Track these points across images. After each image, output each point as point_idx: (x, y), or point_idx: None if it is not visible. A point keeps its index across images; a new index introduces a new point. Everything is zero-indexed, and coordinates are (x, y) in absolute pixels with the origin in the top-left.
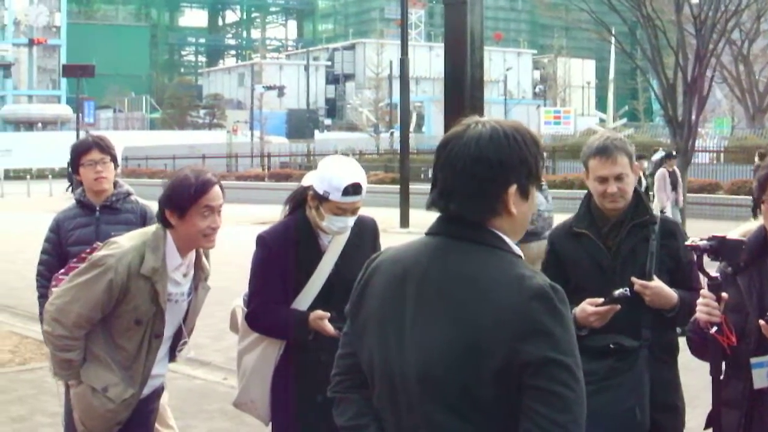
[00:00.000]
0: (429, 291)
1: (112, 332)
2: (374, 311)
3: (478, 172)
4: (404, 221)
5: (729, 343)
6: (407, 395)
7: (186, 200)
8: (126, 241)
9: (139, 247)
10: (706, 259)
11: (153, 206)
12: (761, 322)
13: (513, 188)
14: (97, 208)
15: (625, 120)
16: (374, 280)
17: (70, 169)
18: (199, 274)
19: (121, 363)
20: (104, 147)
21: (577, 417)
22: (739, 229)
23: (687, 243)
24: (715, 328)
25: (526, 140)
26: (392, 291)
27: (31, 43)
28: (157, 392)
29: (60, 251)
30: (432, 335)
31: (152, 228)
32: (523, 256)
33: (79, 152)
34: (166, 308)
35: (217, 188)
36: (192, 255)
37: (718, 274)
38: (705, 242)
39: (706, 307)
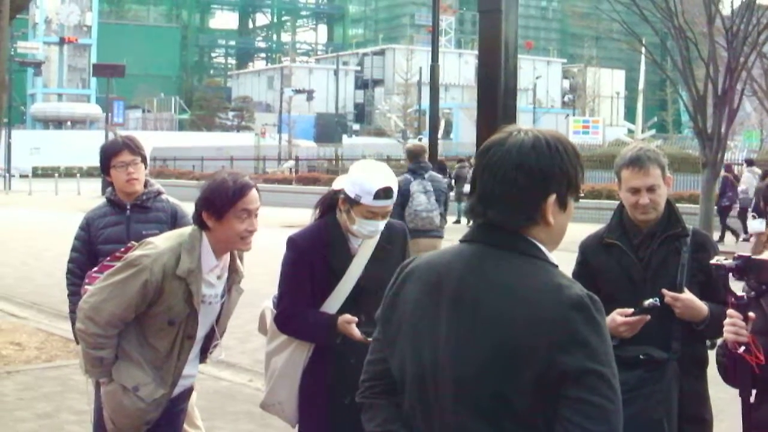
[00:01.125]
0: (465, 298)
1: (145, 332)
2: (407, 317)
3: (519, 180)
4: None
5: (758, 362)
6: (440, 402)
7: (224, 203)
8: (162, 241)
9: (175, 248)
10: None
11: (183, 206)
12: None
13: (552, 198)
14: (128, 207)
15: (653, 131)
16: (407, 286)
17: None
18: (233, 276)
19: (152, 363)
20: (134, 148)
21: (615, 427)
22: None
23: (712, 261)
24: (743, 348)
25: (567, 151)
26: (426, 297)
27: (61, 41)
28: (187, 392)
29: (90, 249)
30: (467, 343)
31: (188, 229)
32: (558, 266)
33: (109, 154)
34: (200, 310)
35: (254, 192)
36: (226, 257)
37: (744, 294)
38: (731, 261)
39: (733, 327)
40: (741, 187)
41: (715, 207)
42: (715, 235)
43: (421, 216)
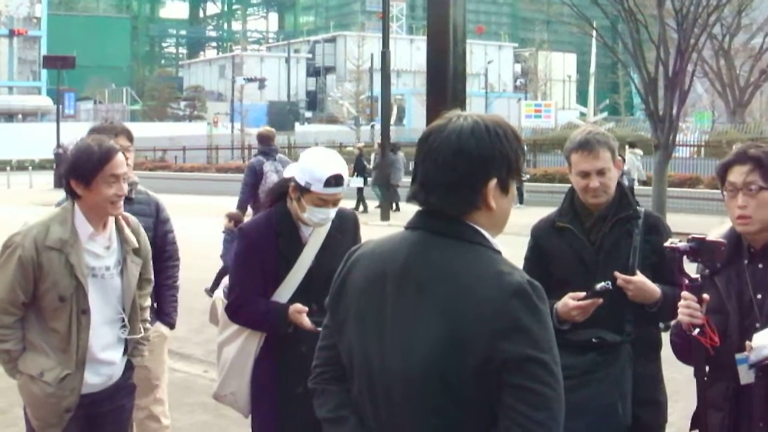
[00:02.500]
0: (409, 286)
1: (43, 315)
2: (354, 305)
3: (459, 166)
4: (385, 214)
5: (712, 344)
6: (387, 389)
7: (91, 169)
8: (34, 219)
9: (46, 221)
10: (685, 260)
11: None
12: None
13: (493, 182)
14: None
15: (605, 114)
16: (354, 273)
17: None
18: (125, 247)
19: (56, 346)
20: (131, 136)
21: (556, 414)
22: (719, 229)
23: (666, 245)
24: (697, 330)
25: (507, 135)
26: (372, 286)
27: (11, 33)
28: (123, 388)
29: None
30: (412, 331)
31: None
32: (501, 252)
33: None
34: (90, 282)
35: (120, 156)
36: (111, 227)
37: (698, 276)
38: (684, 244)
39: (687, 309)
40: (624, 168)
41: None
42: None
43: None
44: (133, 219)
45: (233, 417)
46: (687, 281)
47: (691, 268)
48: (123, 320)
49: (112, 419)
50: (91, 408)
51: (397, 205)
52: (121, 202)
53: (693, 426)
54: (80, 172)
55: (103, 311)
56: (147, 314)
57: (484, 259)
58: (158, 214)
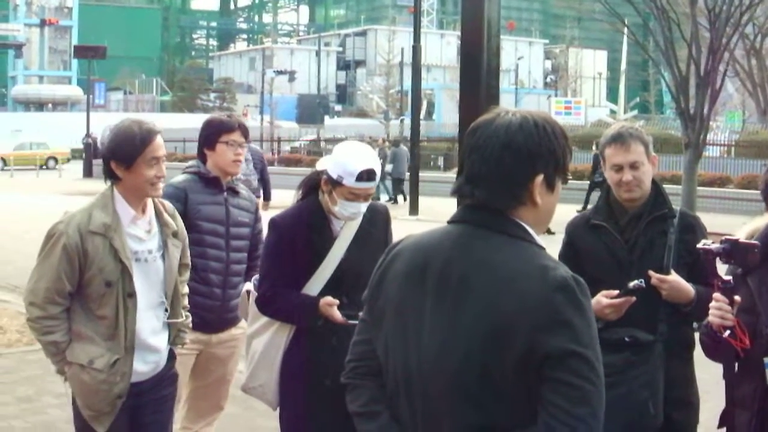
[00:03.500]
0: (451, 279)
1: (89, 304)
2: (393, 299)
3: (506, 160)
4: (414, 208)
5: (742, 346)
6: (424, 383)
7: (133, 150)
8: (76, 208)
9: (87, 208)
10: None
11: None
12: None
13: (540, 178)
14: (224, 188)
15: (635, 112)
16: (394, 267)
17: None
18: (165, 230)
19: (104, 334)
20: (247, 133)
21: (596, 410)
22: (747, 227)
23: (699, 246)
24: (728, 332)
25: (555, 132)
26: (413, 279)
27: (42, 23)
28: (166, 377)
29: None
30: (453, 324)
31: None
32: (545, 248)
33: (222, 130)
34: (134, 266)
35: (160, 138)
36: (151, 211)
37: (730, 277)
38: (717, 245)
39: (719, 310)
40: None
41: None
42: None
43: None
44: (168, 204)
45: (261, 409)
46: (719, 283)
47: (722, 268)
48: (165, 304)
49: (156, 408)
50: (137, 398)
51: (404, 196)
52: (161, 184)
53: (721, 424)
54: (121, 154)
55: (147, 296)
56: (186, 301)
57: (528, 253)
58: (257, 212)
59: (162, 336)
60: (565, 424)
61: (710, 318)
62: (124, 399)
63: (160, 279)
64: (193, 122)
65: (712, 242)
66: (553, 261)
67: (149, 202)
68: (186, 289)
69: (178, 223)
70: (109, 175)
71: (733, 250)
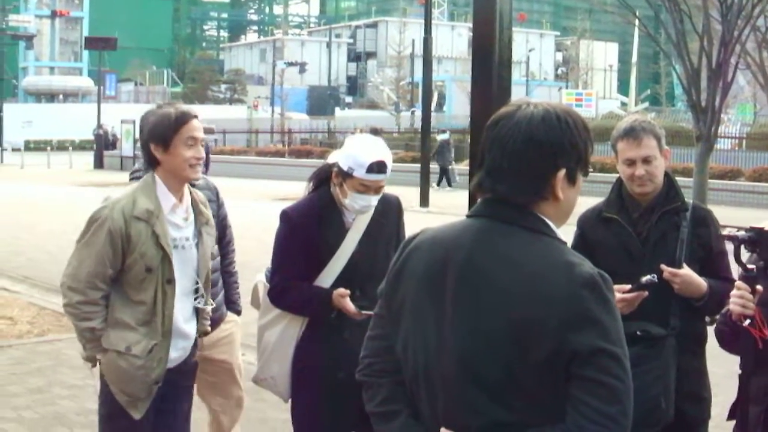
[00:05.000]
0: (473, 275)
1: (127, 290)
2: (412, 294)
3: (528, 154)
4: (424, 200)
5: (762, 336)
6: (446, 381)
7: (169, 130)
8: (118, 193)
9: (131, 194)
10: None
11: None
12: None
13: (562, 173)
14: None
15: (647, 104)
16: (412, 262)
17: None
18: (200, 219)
19: (141, 319)
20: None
21: (626, 408)
22: None
23: (724, 233)
24: (748, 321)
25: (577, 125)
26: (433, 274)
27: (53, 14)
28: (189, 367)
29: None
30: (476, 320)
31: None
32: (566, 243)
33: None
34: (173, 253)
35: (196, 120)
36: (187, 199)
37: (753, 266)
38: (743, 233)
39: (740, 299)
40: None
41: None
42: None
43: None
44: (199, 194)
45: (272, 401)
46: (742, 271)
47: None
48: (198, 291)
49: (177, 398)
50: (165, 386)
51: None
52: (200, 167)
53: (730, 417)
54: (159, 134)
55: (182, 282)
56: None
57: (552, 249)
58: (218, 198)
59: (192, 323)
60: (597, 423)
61: (731, 306)
62: (160, 384)
63: (194, 266)
64: (204, 114)
65: (737, 230)
66: (578, 257)
67: (186, 191)
68: (211, 277)
69: (209, 213)
70: (149, 160)
71: (759, 239)
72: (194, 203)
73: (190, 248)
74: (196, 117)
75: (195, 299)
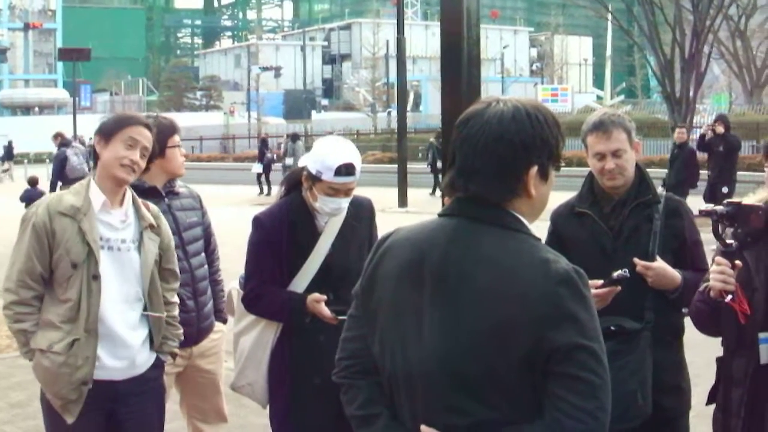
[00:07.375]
0: (450, 273)
1: (56, 288)
2: (388, 295)
3: (500, 152)
4: (402, 201)
5: (743, 310)
6: (426, 380)
7: (113, 125)
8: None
9: (60, 193)
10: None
11: None
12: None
13: (534, 169)
14: (164, 194)
15: (622, 97)
16: (387, 261)
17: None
18: (141, 222)
19: (65, 317)
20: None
21: (604, 403)
22: (755, 196)
23: (701, 208)
24: (729, 296)
25: (548, 120)
26: (408, 274)
27: (26, 27)
28: (151, 388)
29: None
30: (454, 319)
31: None
32: (541, 239)
33: (168, 134)
34: (104, 252)
35: (145, 130)
36: (128, 204)
37: (732, 241)
38: (721, 207)
39: (721, 274)
40: None
41: None
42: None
43: (76, 168)
44: (153, 207)
45: (252, 407)
46: (722, 246)
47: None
48: (141, 298)
49: (138, 420)
50: (114, 402)
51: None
52: (132, 173)
53: (710, 401)
54: (104, 128)
55: (121, 287)
56: (175, 311)
57: (527, 246)
58: (201, 205)
59: (139, 333)
60: (575, 418)
61: (711, 283)
62: (90, 386)
63: (136, 272)
64: (180, 121)
65: (715, 205)
66: (553, 254)
67: (128, 195)
68: (175, 299)
69: (161, 224)
70: (93, 154)
71: (736, 213)
72: (137, 207)
73: (128, 251)
74: (148, 125)
75: (139, 307)
